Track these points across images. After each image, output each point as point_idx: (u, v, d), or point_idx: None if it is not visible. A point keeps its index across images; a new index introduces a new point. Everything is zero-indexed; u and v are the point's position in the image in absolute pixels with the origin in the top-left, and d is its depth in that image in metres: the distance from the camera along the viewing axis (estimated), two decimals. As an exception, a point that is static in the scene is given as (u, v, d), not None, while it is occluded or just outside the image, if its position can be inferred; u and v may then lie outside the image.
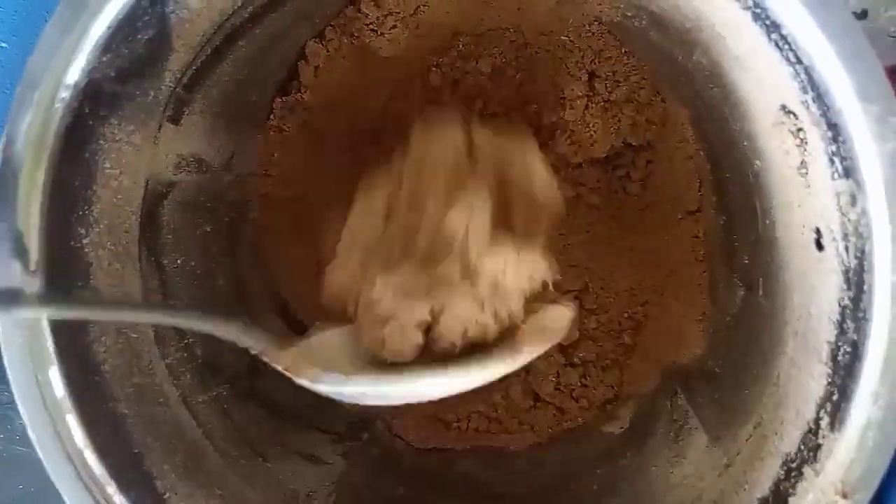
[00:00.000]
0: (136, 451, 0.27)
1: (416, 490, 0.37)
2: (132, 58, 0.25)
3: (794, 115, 0.24)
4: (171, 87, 0.28)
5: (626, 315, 0.40)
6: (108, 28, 0.23)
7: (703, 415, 0.32)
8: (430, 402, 0.39)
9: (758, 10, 0.23)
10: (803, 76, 0.23)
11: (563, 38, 0.38)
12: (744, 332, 0.32)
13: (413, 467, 0.38)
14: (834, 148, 0.23)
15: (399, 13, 0.36)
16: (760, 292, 0.31)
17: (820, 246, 0.25)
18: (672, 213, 0.40)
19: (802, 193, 0.26)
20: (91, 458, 0.25)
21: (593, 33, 0.37)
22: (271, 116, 0.37)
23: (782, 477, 0.24)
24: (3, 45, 0.44)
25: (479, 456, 0.39)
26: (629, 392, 0.39)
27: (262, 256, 0.39)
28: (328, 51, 0.36)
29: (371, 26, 0.36)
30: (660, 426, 0.35)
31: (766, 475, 0.25)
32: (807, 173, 0.25)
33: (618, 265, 0.41)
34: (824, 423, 0.23)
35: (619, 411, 0.38)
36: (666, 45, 0.33)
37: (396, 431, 0.40)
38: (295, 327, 0.41)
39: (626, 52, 0.38)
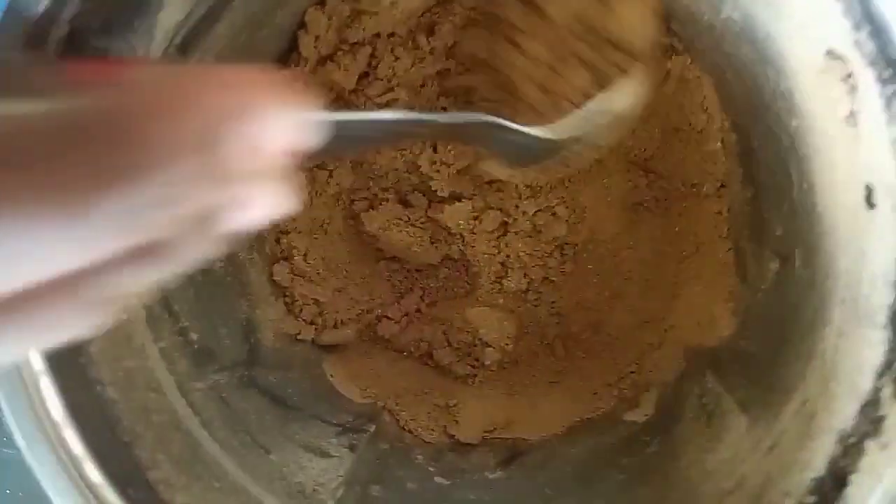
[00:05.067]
0: (127, 439, 0.25)
1: (427, 485, 0.34)
2: (119, 7, 0.23)
3: (843, 58, 0.22)
4: (163, 46, 0.26)
5: (647, 297, 0.38)
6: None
7: (738, 396, 0.30)
8: (440, 394, 0.37)
9: (807, -61, 0.21)
10: (857, 10, 0.21)
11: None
12: (779, 307, 0.30)
13: (423, 461, 0.36)
14: (892, 89, 0.21)
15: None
16: (798, 263, 0.29)
17: (871, 204, 0.23)
18: (694, 190, 0.38)
19: (850, 148, 0.24)
20: (76, 445, 0.23)
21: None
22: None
23: (839, 454, 0.22)
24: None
25: (494, 448, 0.36)
26: (652, 378, 0.37)
27: (260, 237, 0.37)
28: (329, 18, 0.34)
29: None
30: (688, 412, 0.33)
31: (820, 453, 0.23)
32: (856, 123, 0.23)
33: (637, 245, 0.39)
34: (886, 392, 0.21)
35: (641, 399, 0.36)
36: (691, 5, 0.31)
37: (404, 424, 0.38)
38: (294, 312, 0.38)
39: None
